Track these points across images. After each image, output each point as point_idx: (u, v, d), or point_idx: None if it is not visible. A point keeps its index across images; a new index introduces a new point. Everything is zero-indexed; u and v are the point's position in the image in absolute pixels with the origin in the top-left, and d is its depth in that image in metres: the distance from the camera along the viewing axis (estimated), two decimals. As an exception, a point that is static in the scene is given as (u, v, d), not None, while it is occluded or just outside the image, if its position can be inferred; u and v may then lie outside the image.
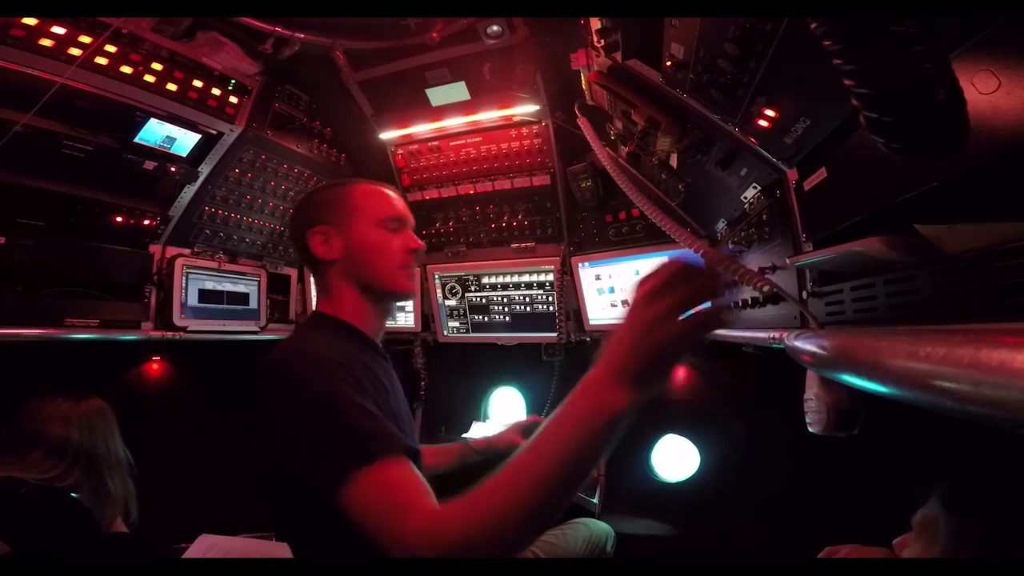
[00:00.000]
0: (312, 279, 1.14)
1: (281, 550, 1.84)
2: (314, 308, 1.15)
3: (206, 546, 1.74)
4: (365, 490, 0.73)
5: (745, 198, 1.23)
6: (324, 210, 1.15)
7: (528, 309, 2.42)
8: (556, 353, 2.35)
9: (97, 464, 1.40)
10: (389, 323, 2.96)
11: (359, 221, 1.14)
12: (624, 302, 2.17)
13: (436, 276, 2.59)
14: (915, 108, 0.42)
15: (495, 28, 1.72)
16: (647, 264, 2.06)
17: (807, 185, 0.91)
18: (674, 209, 1.61)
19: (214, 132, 1.90)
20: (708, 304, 0.60)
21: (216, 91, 1.84)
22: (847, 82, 0.43)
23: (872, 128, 0.45)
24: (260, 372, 0.89)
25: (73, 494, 1.34)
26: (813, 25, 0.42)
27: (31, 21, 1.38)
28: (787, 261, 1.04)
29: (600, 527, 1.70)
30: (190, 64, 1.75)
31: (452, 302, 2.59)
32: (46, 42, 1.41)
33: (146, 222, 1.96)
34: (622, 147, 1.69)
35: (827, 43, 0.42)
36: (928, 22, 0.40)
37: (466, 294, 2.54)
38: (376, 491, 0.73)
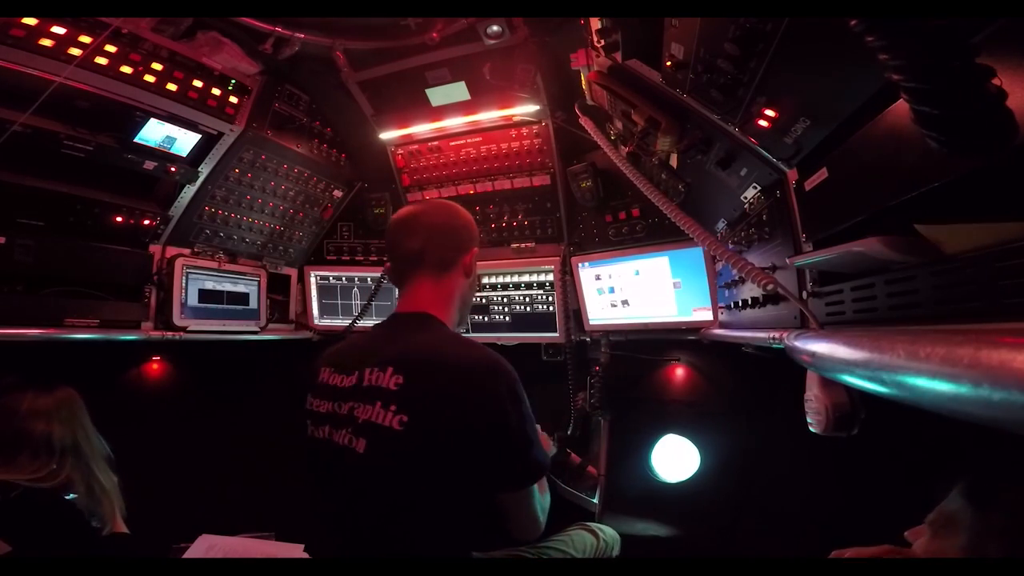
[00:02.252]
0: (423, 283, 1.15)
1: (281, 550, 1.84)
2: (425, 310, 1.13)
3: (206, 546, 1.74)
4: (536, 494, 1.05)
5: (745, 198, 1.23)
6: (475, 235, 1.24)
7: (528, 309, 2.42)
8: (556, 353, 2.35)
9: (83, 456, 1.36)
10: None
11: (475, 254, 1.24)
12: (624, 302, 2.17)
13: (436, 276, 2.58)
14: (967, 102, 0.41)
15: (495, 28, 1.72)
16: (647, 264, 2.07)
17: (807, 185, 0.91)
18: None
19: (214, 132, 1.90)
20: None
21: (216, 91, 1.84)
22: (895, 77, 0.42)
23: (921, 122, 0.44)
24: (485, 366, 0.97)
25: (70, 496, 1.30)
26: (853, 22, 0.41)
27: (31, 21, 1.38)
28: (787, 261, 1.04)
29: (607, 532, 1.69)
30: (190, 64, 1.75)
31: (452, 302, 2.58)
32: (46, 42, 1.41)
33: (146, 222, 1.96)
34: (622, 147, 1.69)
35: (870, 39, 0.41)
36: (955, 20, 0.39)
37: (466, 294, 2.53)
38: (538, 497, 1.06)
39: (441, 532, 0.96)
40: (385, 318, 1.17)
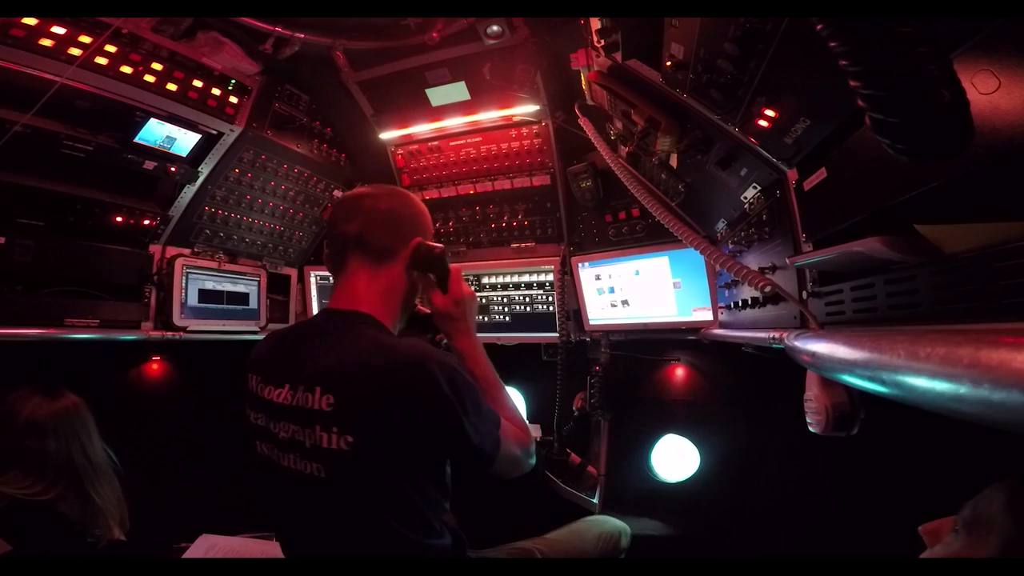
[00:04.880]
0: (358, 273, 1.07)
1: (280, 550, 1.83)
2: (358, 309, 1.04)
3: (206, 546, 1.73)
4: (507, 440, 1.02)
5: (745, 198, 1.23)
6: (423, 227, 1.13)
7: (528, 309, 2.42)
8: (556, 353, 2.35)
9: (79, 472, 1.29)
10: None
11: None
12: (617, 300, 2.17)
13: (436, 276, 2.58)
14: (921, 109, 0.42)
15: (495, 28, 1.72)
16: (647, 264, 2.06)
17: (807, 185, 0.91)
18: (674, 209, 1.61)
19: (214, 132, 1.90)
20: None
21: (216, 91, 1.84)
22: (853, 83, 0.42)
23: (878, 129, 0.44)
24: (412, 364, 0.90)
25: (60, 509, 1.25)
26: (819, 26, 0.42)
27: (31, 21, 1.38)
28: (787, 261, 1.04)
29: (613, 523, 1.66)
30: (190, 64, 1.75)
31: (452, 302, 2.58)
32: (46, 42, 1.41)
33: (146, 222, 1.96)
34: (622, 147, 1.69)
35: (833, 44, 0.42)
36: (929, 23, 0.39)
37: (466, 294, 2.53)
38: (510, 438, 1.04)
39: (412, 528, 0.92)
40: (319, 311, 1.07)
